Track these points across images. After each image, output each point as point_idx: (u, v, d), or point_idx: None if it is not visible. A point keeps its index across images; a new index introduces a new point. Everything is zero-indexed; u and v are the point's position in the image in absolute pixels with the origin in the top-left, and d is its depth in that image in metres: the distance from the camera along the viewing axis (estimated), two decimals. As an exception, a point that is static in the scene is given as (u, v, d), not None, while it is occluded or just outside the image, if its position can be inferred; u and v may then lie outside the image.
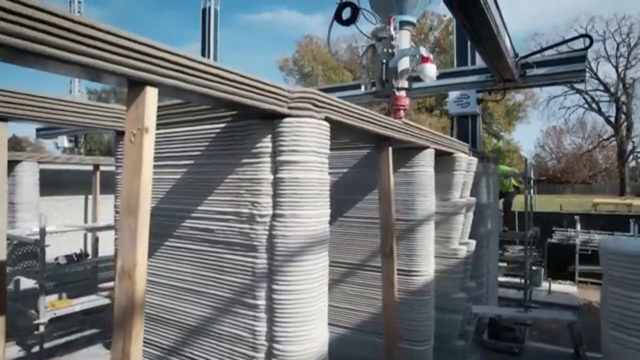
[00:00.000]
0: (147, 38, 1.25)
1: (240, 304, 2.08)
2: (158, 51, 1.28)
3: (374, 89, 4.00)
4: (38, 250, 4.72)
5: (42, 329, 4.67)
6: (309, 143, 1.94)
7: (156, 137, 2.15)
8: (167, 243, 2.39)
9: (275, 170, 1.98)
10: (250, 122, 2.01)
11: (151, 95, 1.33)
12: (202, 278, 2.24)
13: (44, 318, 4.66)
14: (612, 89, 35.16)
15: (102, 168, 6.50)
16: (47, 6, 1.00)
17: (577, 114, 38.67)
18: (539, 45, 32.90)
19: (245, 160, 2.04)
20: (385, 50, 3.82)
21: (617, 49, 34.38)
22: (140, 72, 1.25)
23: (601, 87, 35.46)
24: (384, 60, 3.80)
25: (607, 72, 37.65)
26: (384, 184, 3.08)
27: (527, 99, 32.27)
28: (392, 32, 3.75)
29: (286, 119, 1.91)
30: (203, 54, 12.31)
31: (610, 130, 37.16)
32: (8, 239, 5.07)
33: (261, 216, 1.99)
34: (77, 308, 5.10)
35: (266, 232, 1.99)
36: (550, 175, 38.74)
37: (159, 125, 2.33)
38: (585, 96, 35.48)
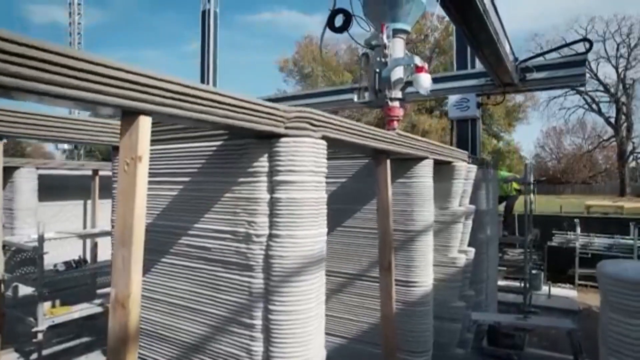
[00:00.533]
0: (139, 67, 1.23)
1: (236, 323, 2.07)
2: (151, 80, 1.26)
3: (366, 95, 3.91)
4: (36, 257, 4.71)
5: (40, 336, 4.66)
6: (305, 163, 1.92)
7: (153, 153, 2.15)
8: (163, 259, 2.38)
9: (271, 189, 1.96)
10: (247, 141, 2.00)
11: (145, 123, 1.31)
12: (199, 296, 2.23)
13: (42, 326, 4.65)
14: (612, 90, 35.14)
15: (101, 173, 6.50)
16: (38, 42, 0.99)
17: (577, 115, 38.66)
18: (539, 45, 32.88)
19: (241, 179, 2.03)
20: (378, 59, 3.73)
21: (617, 49, 34.35)
22: (134, 102, 1.24)
23: (601, 88, 35.44)
24: (377, 70, 3.71)
25: (607, 72, 37.60)
26: (382, 197, 3.06)
27: (527, 100, 32.24)
28: (385, 40, 3.65)
29: (283, 139, 1.89)
30: (203, 55, 12.32)
31: (610, 131, 37.14)
32: (6, 245, 5.09)
33: (257, 236, 1.98)
34: (76, 315, 5.10)
35: (263, 252, 1.97)
36: (550, 175, 38.74)
37: (156, 142, 2.32)
38: (585, 97, 35.46)
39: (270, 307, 1.96)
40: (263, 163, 1.96)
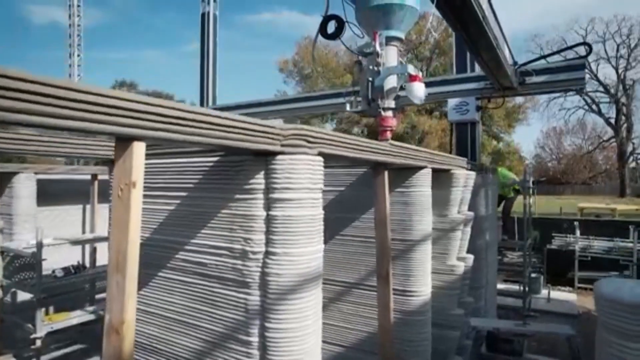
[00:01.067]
0: (131, 94, 1.23)
1: (233, 340, 2.07)
2: (144, 105, 1.25)
3: (359, 107, 3.84)
4: (34, 262, 4.71)
5: (38, 343, 4.66)
6: (302, 180, 1.92)
7: (150, 167, 2.14)
8: (160, 274, 2.38)
9: (268, 207, 1.96)
10: (243, 158, 1.99)
11: (139, 149, 1.31)
12: (195, 311, 2.22)
13: (40, 332, 4.65)
14: (612, 91, 35.16)
15: (100, 177, 6.49)
16: (27, 75, 0.98)
17: (577, 115, 38.73)
18: (539, 46, 32.91)
19: (238, 196, 2.02)
20: (371, 67, 3.65)
21: (617, 50, 34.44)
22: (127, 129, 1.23)
23: (601, 89, 35.47)
24: (370, 78, 3.64)
25: (607, 73, 37.66)
26: (380, 208, 3.06)
27: (527, 101, 32.30)
28: (378, 48, 3.57)
29: (279, 156, 1.89)
30: (202, 58, 12.33)
31: (610, 132, 37.18)
32: (4, 251, 5.09)
33: (254, 253, 1.97)
34: (75, 321, 5.09)
35: (259, 270, 1.97)
36: (550, 176, 38.78)
37: (152, 156, 2.32)
38: (585, 97, 35.51)
39: (267, 324, 1.95)
40: (259, 180, 1.96)
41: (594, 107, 36.40)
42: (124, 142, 1.30)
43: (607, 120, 36.38)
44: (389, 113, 3.66)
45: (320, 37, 4.22)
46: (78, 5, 18.39)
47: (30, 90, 0.99)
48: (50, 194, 6.07)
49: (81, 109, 1.10)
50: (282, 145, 1.87)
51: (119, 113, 1.19)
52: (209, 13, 12.18)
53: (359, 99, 3.90)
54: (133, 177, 1.30)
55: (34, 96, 1.00)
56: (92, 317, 5.19)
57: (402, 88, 3.81)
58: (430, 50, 29.12)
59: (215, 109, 11.40)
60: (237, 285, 2.04)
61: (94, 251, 6.28)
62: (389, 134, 3.65)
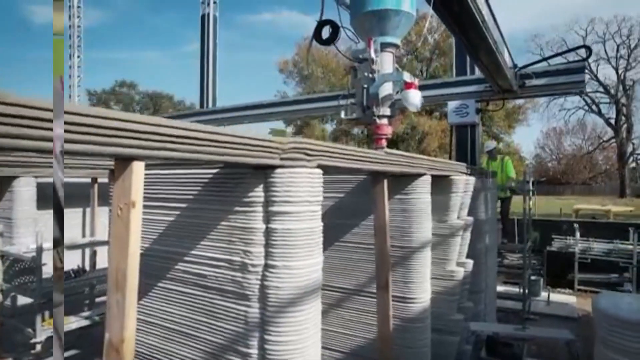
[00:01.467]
0: (132, 114, 1.23)
1: (232, 352, 2.07)
2: (144, 125, 1.26)
3: (354, 115, 3.80)
4: (35, 266, 4.71)
5: (38, 347, 4.66)
6: (301, 193, 1.92)
7: (149, 177, 2.14)
8: (160, 284, 2.38)
9: (267, 220, 1.96)
10: (243, 171, 1.99)
11: (138, 169, 1.31)
12: (195, 322, 2.23)
13: (40, 337, 4.65)
14: (612, 91, 35.17)
15: (100, 180, 6.49)
16: (24, 100, 0.98)
17: (577, 116, 38.74)
18: (539, 46, 32.91)
19: (237, 208, 2.02)
20: (366, 74, 3.61)
21: (617, 50, 34.43)
22: (127, 149, 1.23)
23: (601, 89, 35.47)
24: (365, 85, 3.59)
25: (607, 74, 37.63)
26: (379, 216, 3.06)
27: (527, 102, 32.28)
28: (373, 54, 3.52)
29: (278, 170, 1.89)
30: (202, 59, 12.36)
31: (610, 132, 37.19)
32: (4, 255, 5.09)
33: (253, 265, 1.98)
34: (74, 326, 5.09)
35: (258, 282, 1.97)
36: (550, 176, 38.79)
37: (152, 166, 2.32)
38: (585, 98, 35.50)
39: (267, 337, 1.96)
40: (259, 193, 1.96)
41: (594, 107, 36.42)
42: (123, 162, 1.31)
43: (607, 121, 36.39)
44: (384, 120, 3.62)
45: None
46: (78, 6, 18.39)
47: (29, 116, 0.99)
48: (50, 197, 6.06)
49: (80, 131, 1.10)
50: (282, 159, 1.88)
51: (118, 134, 1.19)
52: (208, 14, 12.21)
53: (353, 101, 3.85)
54: (132, 196, 1.31)
55: (33, 121, 1.00)
56: (91, 321, 5.19)
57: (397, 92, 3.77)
58: (431, 51, 29.13)
59: (215, 110, 11.41)
60: (236, 297, 2.04)
61: (94, 254, 6.29)
62: (384, 142, 3.62)
